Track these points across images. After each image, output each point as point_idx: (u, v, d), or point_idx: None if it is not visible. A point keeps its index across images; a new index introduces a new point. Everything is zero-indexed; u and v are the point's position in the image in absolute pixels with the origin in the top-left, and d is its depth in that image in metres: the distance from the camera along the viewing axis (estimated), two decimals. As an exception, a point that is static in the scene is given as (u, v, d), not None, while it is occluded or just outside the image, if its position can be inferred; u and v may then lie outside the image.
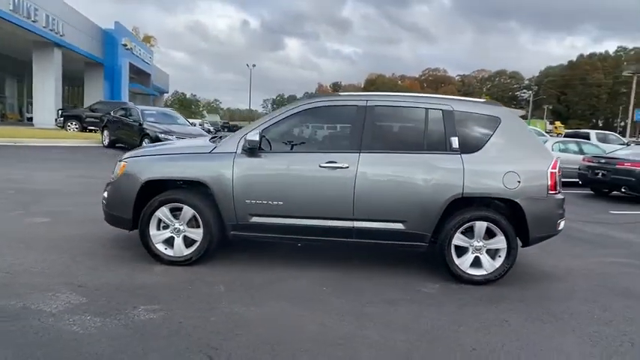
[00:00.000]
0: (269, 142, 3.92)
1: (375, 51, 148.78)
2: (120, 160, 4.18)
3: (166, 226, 3.99)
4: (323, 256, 4.41)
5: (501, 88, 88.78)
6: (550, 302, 3.59)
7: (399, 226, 3.84)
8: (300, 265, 4.16)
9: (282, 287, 3.62)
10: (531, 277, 4.19)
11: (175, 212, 3.96)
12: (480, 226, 3.83)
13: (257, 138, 3.73)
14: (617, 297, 3.79)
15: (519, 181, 3.76)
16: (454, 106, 3.98)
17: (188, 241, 3.97)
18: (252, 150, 3.85)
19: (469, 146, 3.87)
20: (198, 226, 3.94)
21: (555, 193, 3.85)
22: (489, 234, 3.86)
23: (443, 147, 3.87)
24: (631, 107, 34.54)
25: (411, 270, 4.19)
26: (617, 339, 2.98)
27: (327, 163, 3.83)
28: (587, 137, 16.47)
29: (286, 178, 3.90)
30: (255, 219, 3.91)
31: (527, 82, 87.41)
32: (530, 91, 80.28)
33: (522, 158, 3.87)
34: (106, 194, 4.14)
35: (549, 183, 3.80)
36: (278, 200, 3.86)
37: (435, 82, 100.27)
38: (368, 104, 3.96)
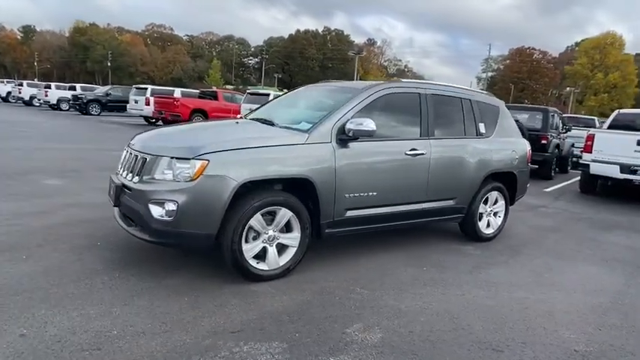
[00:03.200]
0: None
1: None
2: (184, 158, 3.05)
3: (256, 237, 3.29)
4: (372, 242, 4.50)
5: (230, 54, 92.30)
6: (535, 246, 4.94)
7: (451, 202, 4.42)
8: (371, 254, 4.18)
9: (400, 278, 3.66)
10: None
11: (265, 218, 3.31)
12: (493, 195, 4.82)
13: (373, 127, 3.49)
14: (550, 233, 5.54)
15: (517, 158, 4.92)
16: (475, 96, 4.73)
17: (277, 250, 3.42)
18: (349, 139, 3.59)
19: (487, 131, 4.73)
20: (290, 230, 3.44)
21: (529, 165, 5.22)
22: (495, 200, 4.90)
23: (475, 132, 4.60)
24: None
25: (439, 239, 4.84)
26: (595, 256, 4.58)
27: (410, 150, 3.97)
28: None
29: (380, 168, 3.83)
30: (349, 213, 3.70)
31: (253, 49, 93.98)
32: (257, 59, 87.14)
33: (514, 139, 5.02)
34: (171, 207, 2.98)
35: (528, 157, 5.12)
36: (373, 191, 3.77)
37: (161, 40, 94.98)
38: (426, 92, 4.24)
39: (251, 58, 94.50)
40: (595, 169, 8.06)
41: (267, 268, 3.34)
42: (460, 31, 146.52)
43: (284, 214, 3.35)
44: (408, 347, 2.58)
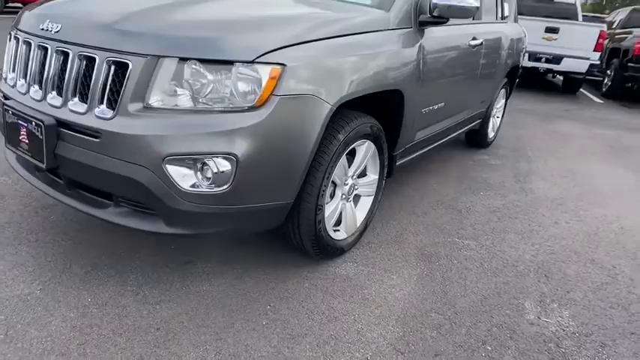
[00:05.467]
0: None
1: None
2: (226, 62, 1.45)
3: (332, 193, 2.02)
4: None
5: None
6: (525, 145, 4.58)
7: (481, 106, 3.61)
8: (417, 185, 3.21)
9: (480, 214, 2.85)
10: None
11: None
12: (501, 93, 4.14)
13: (474, 2, 2.23)
14: (516, 130, 5.30)
15: (523, 47, 4.24)
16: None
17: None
18: (429, 23, 2.32)
19: (509, 14, 3.86)
20: (364, 174, 2.24)
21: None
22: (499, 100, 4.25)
23: (501, 14, 3.69)
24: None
25: (463, 157, 4.09)
26: (586, 152, 4.46)
27: (472, 40, 2.90)
28: None
29: (451, 67, 2.69)
30: (419, 134, 2.60)
31: None
32: None
33: (519, 24, 4.27)
34: (222, 166, 1.44)
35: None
36: (441, 101, 2.69)
37: None
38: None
39: None
40: (507, 57, 8.09)
41: (345, 236, 2.14)
42: None
43: (367, 151, 2.10)
44: (612, 323, 1.88)
